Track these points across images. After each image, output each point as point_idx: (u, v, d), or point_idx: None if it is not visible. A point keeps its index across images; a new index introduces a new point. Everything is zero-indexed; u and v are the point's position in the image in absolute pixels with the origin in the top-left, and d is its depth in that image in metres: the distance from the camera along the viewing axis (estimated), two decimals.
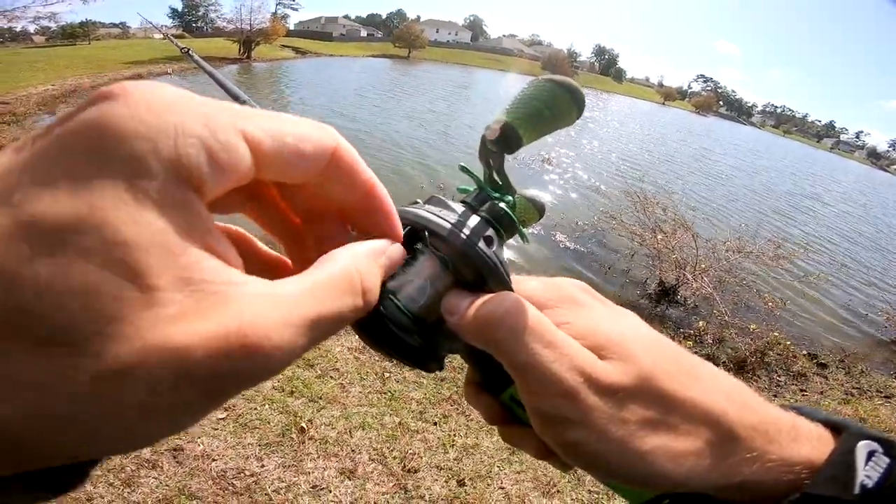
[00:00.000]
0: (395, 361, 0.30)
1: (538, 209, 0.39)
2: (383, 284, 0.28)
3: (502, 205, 0.32)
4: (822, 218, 15.05)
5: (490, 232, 0.30)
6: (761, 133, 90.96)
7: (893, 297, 8.26)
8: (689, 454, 0.23)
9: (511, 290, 0.28)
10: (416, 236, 0.30)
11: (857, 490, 0.22)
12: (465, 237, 0.29)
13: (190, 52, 1.08)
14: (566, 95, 0.31)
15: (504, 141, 0.31)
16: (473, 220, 0.30)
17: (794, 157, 45.46)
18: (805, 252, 7.51)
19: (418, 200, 0.33)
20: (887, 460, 0.22)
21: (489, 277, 0.28)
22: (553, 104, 0.31)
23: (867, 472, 0.22)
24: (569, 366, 0.23)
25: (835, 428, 0.25)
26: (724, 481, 0.23)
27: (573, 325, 0.26)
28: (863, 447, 0.23)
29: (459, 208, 0.32)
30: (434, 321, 0.29)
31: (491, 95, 30.37)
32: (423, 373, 0.32)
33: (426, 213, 0.30)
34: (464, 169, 0.35)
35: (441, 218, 0.30)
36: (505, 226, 0.32)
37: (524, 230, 0.33)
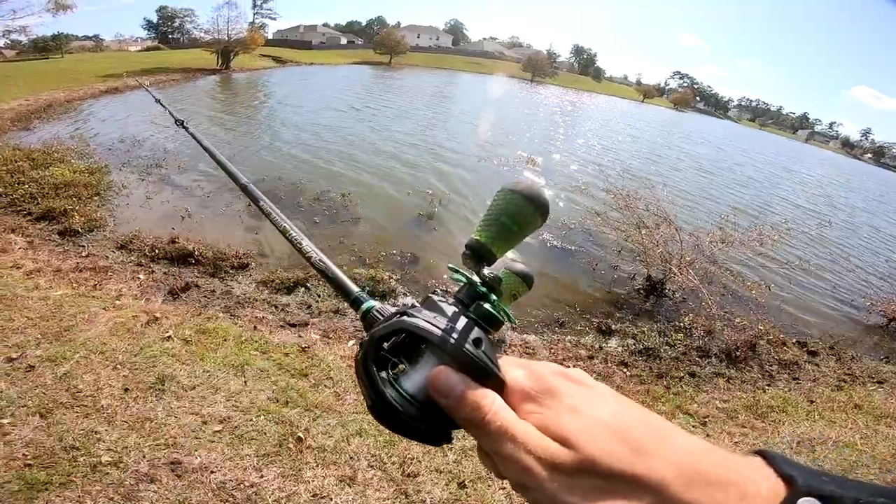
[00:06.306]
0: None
1: (527, 282, 0.45)
2: (397, 380, 0.37)
3: (487, 305, 0.38)
4: (801, 207, 15.39)
5: (477, 333, 0.36)
6: (740, 127, 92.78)
7: (876, 282, 8.50)
8: None
9: (500, 380, 0.35)
10: (419, 339, 0.37)
11: None
12: (453, 342, 0.35)
13: (185, 123, 1.12)
14: (528, 207, 0.38)
15: (478, 258, 0.39)
16: (461, 323, 0.36)
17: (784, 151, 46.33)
18: (787, 240, 7.65)
19: (416, 304, 0.40)
20: None
21: (479, 376, 0.35)
22: (518, 218, 0.38)
23: None
24: (525, 450, 0.32)
25: (789, 480, 0.29)
26: None
27: (543, 416, 0.33)
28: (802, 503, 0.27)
29: (451, 310, 0.38)
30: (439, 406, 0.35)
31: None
32: None
33: (422, 320, 0.36)
34: (452, 269, 0.42)
35: (434, 325, 0.36)
36: (492, 324, 0.38)
37: (511, 314, 0.40)
